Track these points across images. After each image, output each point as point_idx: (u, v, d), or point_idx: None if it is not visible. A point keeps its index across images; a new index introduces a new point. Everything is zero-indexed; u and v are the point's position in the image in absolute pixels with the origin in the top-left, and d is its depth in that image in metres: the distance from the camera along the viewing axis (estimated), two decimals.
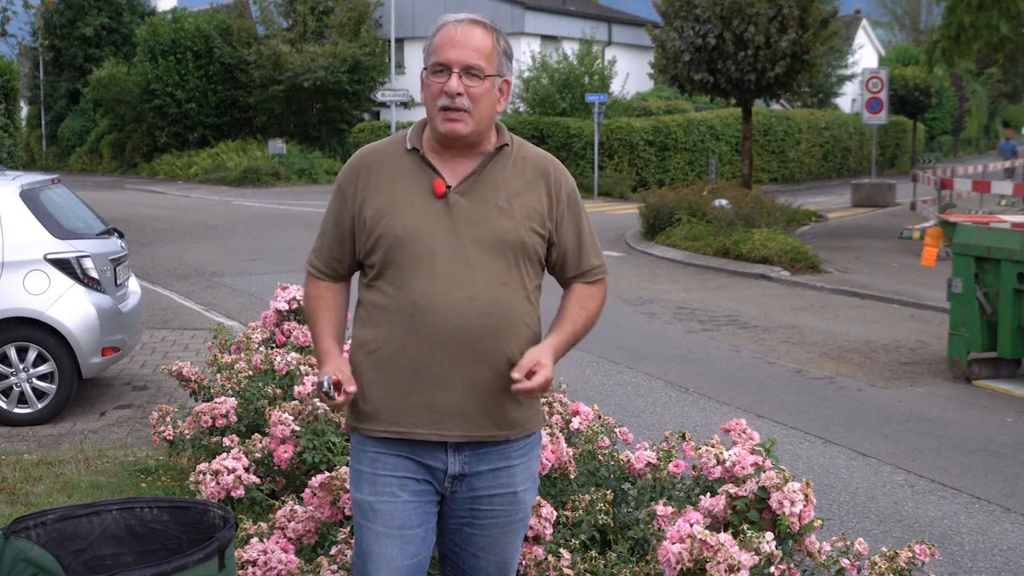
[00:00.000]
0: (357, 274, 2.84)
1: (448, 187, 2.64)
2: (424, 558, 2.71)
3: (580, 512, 3.72)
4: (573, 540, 3.62)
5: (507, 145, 2.72)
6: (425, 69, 2.67)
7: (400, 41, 36.28)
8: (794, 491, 3.39)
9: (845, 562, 3.47)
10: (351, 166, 2.77)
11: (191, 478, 4.29)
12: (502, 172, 2.69)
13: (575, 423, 4.33)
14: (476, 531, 2.73)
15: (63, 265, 7.02)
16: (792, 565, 3.40)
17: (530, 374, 2.56)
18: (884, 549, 3.49)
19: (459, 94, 2.59)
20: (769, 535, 3.22)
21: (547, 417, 4.23)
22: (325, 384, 2.59)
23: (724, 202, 17.46)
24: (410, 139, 2.72)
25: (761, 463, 3.65)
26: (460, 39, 2.61)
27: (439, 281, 2.60)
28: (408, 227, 2.62)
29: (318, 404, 4.58)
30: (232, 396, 5.26)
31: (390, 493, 2.66)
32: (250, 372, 5.53)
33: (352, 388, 2.61)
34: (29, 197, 7.22)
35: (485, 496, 2.70)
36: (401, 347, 2.62)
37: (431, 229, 2.62)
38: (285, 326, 6.42)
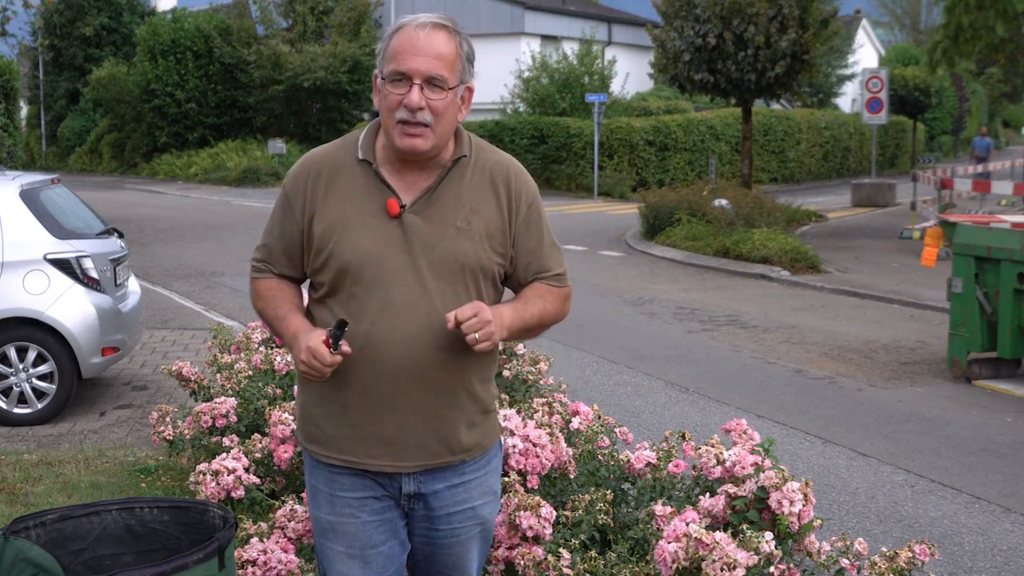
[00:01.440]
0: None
1: (402, 207, 2.45)
2: (394, 572, 2.61)
3: (580, 512, 3.72)
4: (573, 540, 3.61)
5: (465, 156, 2.52)
6: (380, 77, 2.44)
7: None
8: (793, 491, 3.39)
9: (845, 562, 3.47)
10: (299, 174, 2.57)
11: (191, 478, 4.29)
12: (459, 185, 2.50)
13: (575, 423, 4.32)
14: (437, 550, 2.63)
15: (63, 265, 7.02)
16: (792, 565, 3.40)
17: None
18: (884, 549, 3.49)
19: (420, 108, 2.39)
20: (768, 535, 3.22)
21: (547, 417, 4.23)
22: (333, 331, 2.37)
23: (724, 202, 17.47)
24: (362, 148, 2.52)
25: (760, 463, 3.66)
26: (422, 46, 2.39)
27: (393, 310, 2.43)
28: (360, 251, 2.44)
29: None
30: (232, 396, 5.26)
31: (349, 514, 2.55)
32: (250, 372, 5.53)
33: (348, 349, 2.41)
34: (29, 197, 7.22)
35: (443, 515, 2.59)
36: (352, 377, 2.47)
37: (384, 253, 2.44)
38: None
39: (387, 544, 2.58)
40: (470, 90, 2.52)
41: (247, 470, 4.31)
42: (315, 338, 2.40)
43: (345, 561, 2.57)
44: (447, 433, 2.53)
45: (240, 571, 3.56)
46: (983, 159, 26.98)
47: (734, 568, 3.05)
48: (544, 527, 3.48)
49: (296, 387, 2.73)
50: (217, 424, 5.08)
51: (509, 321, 2.49)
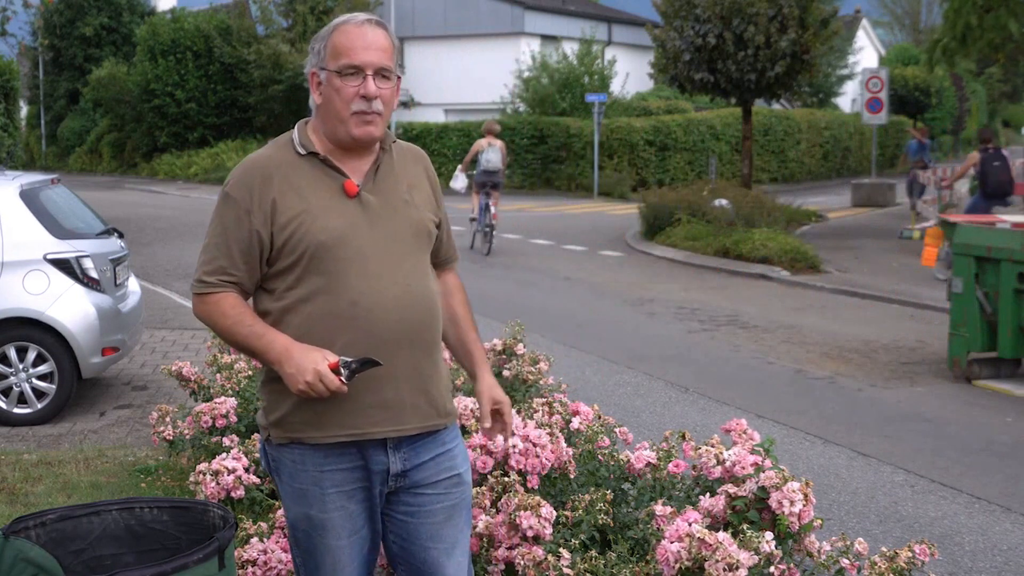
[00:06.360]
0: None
1: (358, 186, 2.65)
2: (374, 545, 2.74)
3: (580, 512, 3.72)
4: (573, 540, 3.61)
5: (395, 141, 2.78)
6: (323, 69, 2.62)
7: (400, 41, 36.25)
8: (793, 491, 3.39)
9: (845, 562, 3.47)
10: (243, 177, 2.64)
11: (191, 478, 4.30)
12: (393, 165, 2.74)
13: (575, 423, 4.32)
14: (421, 520, 2.71)
15: (63, 265, 7.02)
16: (792, 565, 3.40)
17: (495, 414, 2.84)
18: (884, 549, 3.49)
19: (376, 97, 2.59)
20: (768, 535, 3.22)
21: (547, 417, 4.23)
22: (354, 364, 2.48)
23: (724, 202, 17.46)
24: (301, 144, 2.66)
25: (761, 463, 3.65)
26: (371, 40, 2.60)
27: (373, 279, 2.60)
28: (331, 230, 2.58)
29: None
30: (232, 396, 5.27)
31: (339, 506, 2.65)
32: (250, 372, 5.54)
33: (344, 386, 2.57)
34: (29, 197, 7.22)
35: (430, 483, 2.71)
36: (347, 350, 2.55)
37: (354, 229, 2.61)
38: None
39: (371, 521, 2.72)
40: (399, 81, 2.73)
41: (247, 470, 4.31)
42: (322, 362, 2.49)
43: (335, 551, 2.67)
44: (434, 394, 2.71)
45: (240, 571, 3.56)
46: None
47: (737, 568, 3.05)
48: (544, 527, 3.48)
49: (265, 388, 2.70)
50: (217, 424, 5.09)
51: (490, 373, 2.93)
